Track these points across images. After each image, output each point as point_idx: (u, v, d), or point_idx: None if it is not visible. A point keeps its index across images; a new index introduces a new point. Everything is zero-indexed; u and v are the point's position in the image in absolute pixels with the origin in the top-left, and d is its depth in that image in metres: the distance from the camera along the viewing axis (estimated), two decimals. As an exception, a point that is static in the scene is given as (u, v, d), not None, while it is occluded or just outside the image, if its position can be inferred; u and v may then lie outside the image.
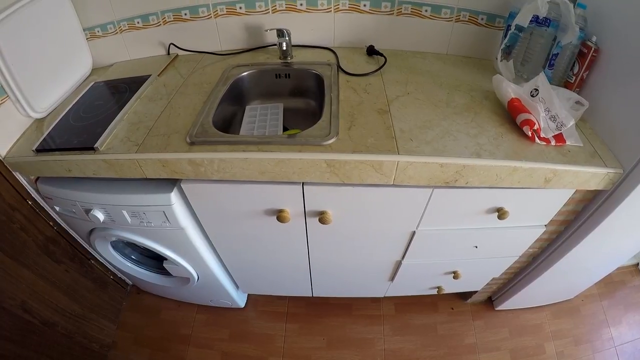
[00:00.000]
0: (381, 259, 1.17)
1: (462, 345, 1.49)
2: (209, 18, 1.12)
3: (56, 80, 1.02)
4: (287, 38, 1.06)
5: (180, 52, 1.20)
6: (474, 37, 1.14)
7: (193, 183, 0.87)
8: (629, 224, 1.01)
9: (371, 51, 1.13)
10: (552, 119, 0.88)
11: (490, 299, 1.63)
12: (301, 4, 1.09)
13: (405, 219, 0.97)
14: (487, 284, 1.43)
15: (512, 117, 0.91)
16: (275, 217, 0.90)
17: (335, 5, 1.09)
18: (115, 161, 0.82)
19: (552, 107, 0.89)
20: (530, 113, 0.89)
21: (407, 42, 1.18)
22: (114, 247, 1.12)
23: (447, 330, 1.53)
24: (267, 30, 1.12)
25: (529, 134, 0.86)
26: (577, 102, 0.96)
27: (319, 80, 1.03)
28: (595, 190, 0.90)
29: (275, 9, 1.10)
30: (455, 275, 1.24)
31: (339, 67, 1.07)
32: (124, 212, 0.92)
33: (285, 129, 1.02)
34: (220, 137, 0.83)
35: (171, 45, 1.18)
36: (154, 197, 0.88)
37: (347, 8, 1.10)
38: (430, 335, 1.51)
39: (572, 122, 0.85)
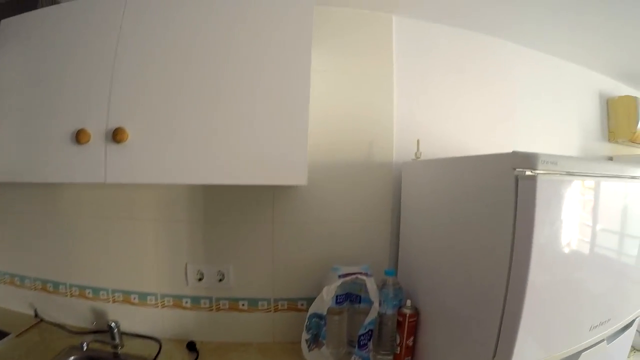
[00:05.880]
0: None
1: None
2: (65, 296, 1.30)
3: None
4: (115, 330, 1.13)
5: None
6: (298, 322, 1.13)
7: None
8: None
9: (191, 347, 1.18)
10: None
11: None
12: (134, 297, 1.25)
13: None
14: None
15: None
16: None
17: (161, 302, 1.23)
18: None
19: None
20: None
21: (231, 335, 1.24)
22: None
23: None
24: (93, 324, 1.21)
25: None
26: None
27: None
28: None
29: (114, 299, 1.26)
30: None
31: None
32: None
33: None
34: None
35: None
36: None
37: (172, 304, 1.23)
38: None
39: None
